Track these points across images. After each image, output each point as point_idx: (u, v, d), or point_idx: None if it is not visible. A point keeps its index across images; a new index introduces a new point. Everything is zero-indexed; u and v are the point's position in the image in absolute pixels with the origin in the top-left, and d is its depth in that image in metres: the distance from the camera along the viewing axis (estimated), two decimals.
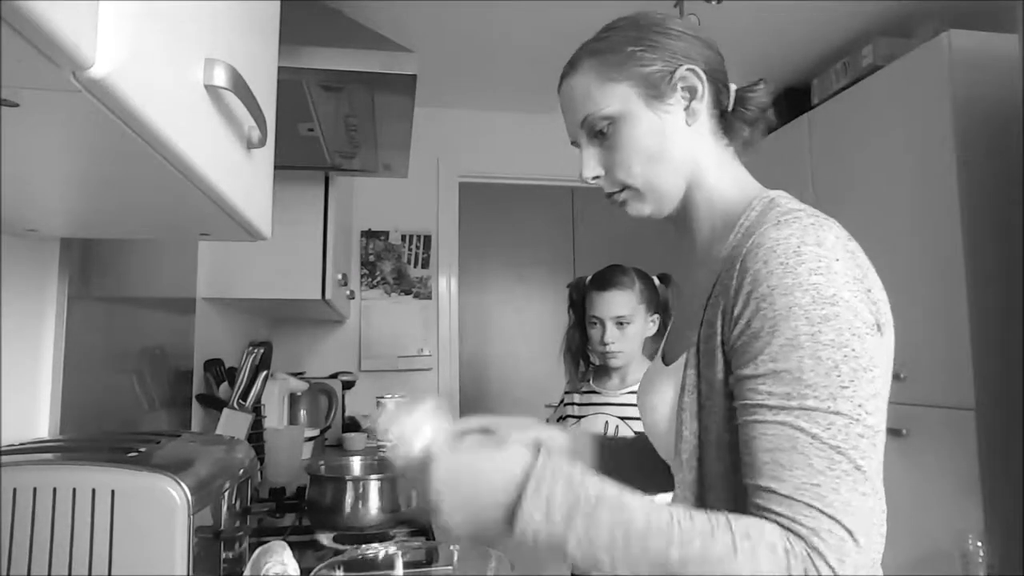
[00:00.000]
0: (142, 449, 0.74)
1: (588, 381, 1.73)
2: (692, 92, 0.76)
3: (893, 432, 2.08)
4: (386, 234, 3.03)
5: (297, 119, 1.37)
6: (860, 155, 2.29)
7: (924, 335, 1.99)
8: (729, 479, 0.67)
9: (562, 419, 1.76)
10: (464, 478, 0.64)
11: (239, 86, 0.55)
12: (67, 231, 0.85)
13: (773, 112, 0.83)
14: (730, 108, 0.80)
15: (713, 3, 2.09)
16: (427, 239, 3.06)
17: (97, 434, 0.94)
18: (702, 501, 0.70)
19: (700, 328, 0.70)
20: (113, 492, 0.65)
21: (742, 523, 0.58)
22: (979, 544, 1.72)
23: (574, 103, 0.79)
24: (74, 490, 0.65)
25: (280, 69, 0.89)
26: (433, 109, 3.02)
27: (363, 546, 0.93)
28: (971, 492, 1.80)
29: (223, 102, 0.58)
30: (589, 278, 1.72)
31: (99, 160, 0.52)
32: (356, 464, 1.40)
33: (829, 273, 0.62)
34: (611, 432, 1.62)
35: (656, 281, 1.71)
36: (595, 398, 1.68)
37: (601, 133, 0.77)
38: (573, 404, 1.74)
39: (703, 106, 0.77)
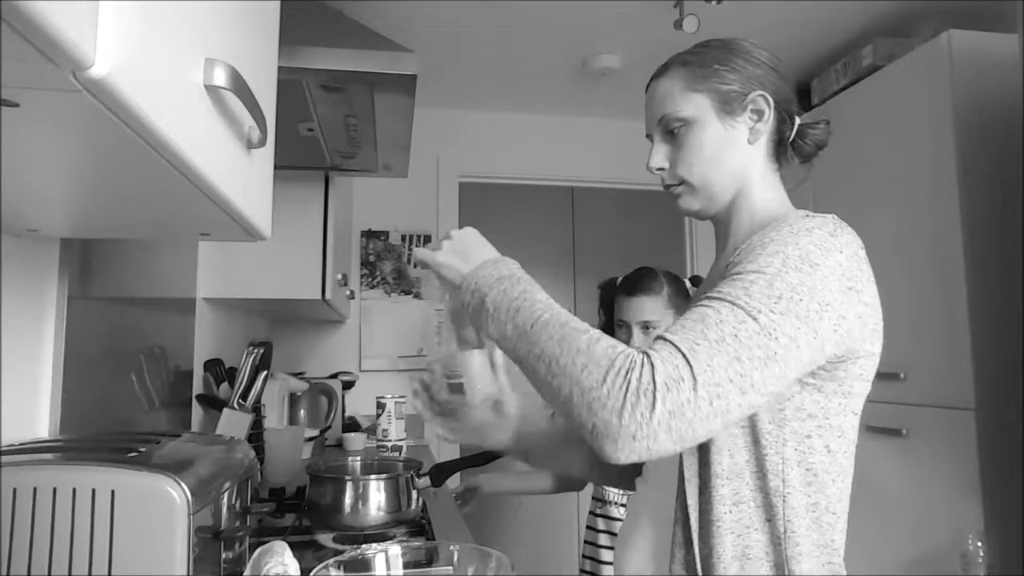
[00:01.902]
0: (142, 449, 0.74)
1: None
2: (759, 115, 0.87)
3: (893, 432, 2.08)
4: (386, 234, 3.03)
5: (297, 119, 1.37)
6: (860, 155, 2.29)
7: (924, 335, 1.99)
8: (737, 465, 0.75)
9: None
10: (468, 237, 0.84)
11: (239, 86, 0.55)
12: (67, 231, 0.85)
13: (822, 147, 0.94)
14: (790, 138, 0.91)
15: (713, 3, 2.09)
16: (427, 239, 3.06)
17: (97, 434, 0.94)
18: (705, 481, 0.76)
19: None
20: (113, 492, 0.65)
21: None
22: (979, 544, 1.72)
23: (656, 101, 0.90)
24: (74, 490, 0.65)
25: (280, 69, 0.89)
26: (433, 109, 3.02)
27: (363, 546, 0.93)
28: (971, 492, 1.80)
29: (223, 102, 0.58)
30: (620, 280, 1.71)
31: (99, 160, 0.52)
32: (356, 464, 1.40)
33: (826, 253, 0.71)
34: None
35: (688, 284, 1.70)
36: None
37: (673, 132, 0.88)
38: None
39: (765, 129, 0.87)
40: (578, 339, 0.67)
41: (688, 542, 0.76)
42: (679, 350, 0.64)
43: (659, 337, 0.67)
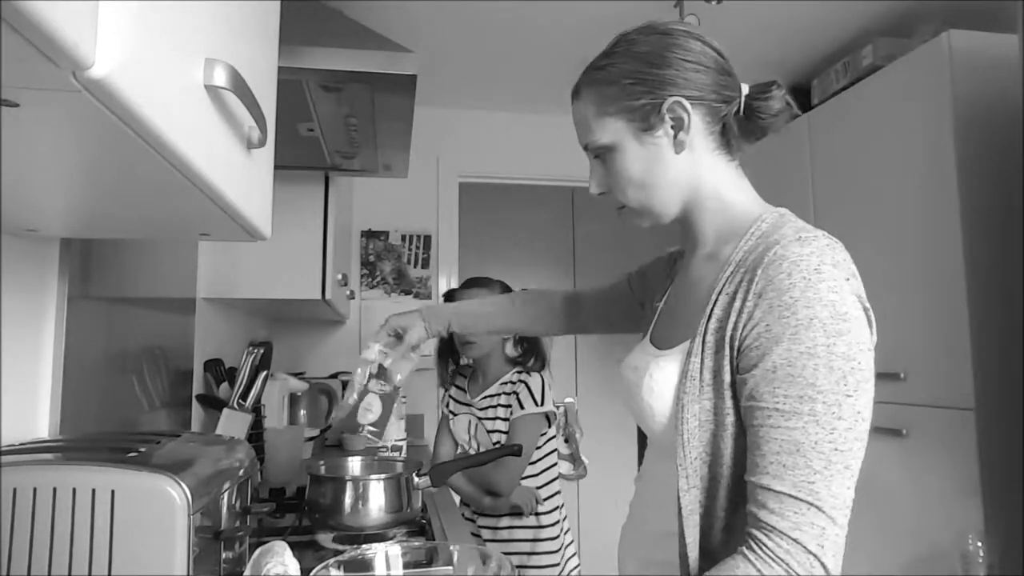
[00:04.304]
0: (142, 449, 0.74)
1: (459, 379, 2.03)
2: (679, 123, 0.81)
3: (893, 432, 2.08)
4: (386, 234, 3.03)
5: (297, 119, 1.37)
6: (860, 155, 2.29)
7: (924, 335, 1.99)
8: (736, 466, 0.74)
9: (446, 411, 2.05)
10: None
11: (239, 86, 0.55)
12: (67, 231, 0.85)
13: (788, 112, 0.86)
14: (740, 113, 0.84)
15: (713, 3, 2.09)
16: (427, 239, 3.06)
17: (97, 434, 0.94)
18: (712, 482, 0.76)
19: (707, 320, 0.76)
20: (113, 492, 0.65)
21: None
22: (979, 544, 1.72)
23: (578, 128, 0.88)
24: (74, 490, 0.65)
25: (280, 69, 0.89)
26: (433, 109, 3.02)
27: (363, 546, 0.93)
28: (971, 492, 1.80)
29: (223, 102, 0.58)
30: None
31: (99, 160, 0.52)
32: (356, 464, 1.40)
33: (842, 292, 0.69)
34: (472, 430, 1.93)
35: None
36: (461, 396, 1.99)
37: (600, 157, 0.86)
38: (451, 400, 2.04)
39: (694, 134, 0.82)
40: None
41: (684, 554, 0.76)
42: (812, 505, 0.65)
43: (772, 492, 0.66)
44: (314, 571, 0.69)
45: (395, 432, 2.23)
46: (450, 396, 2.06)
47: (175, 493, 0.66)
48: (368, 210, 2.98)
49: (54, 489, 0.65)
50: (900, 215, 2.10)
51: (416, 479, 1.25)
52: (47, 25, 0.30)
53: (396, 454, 2.20)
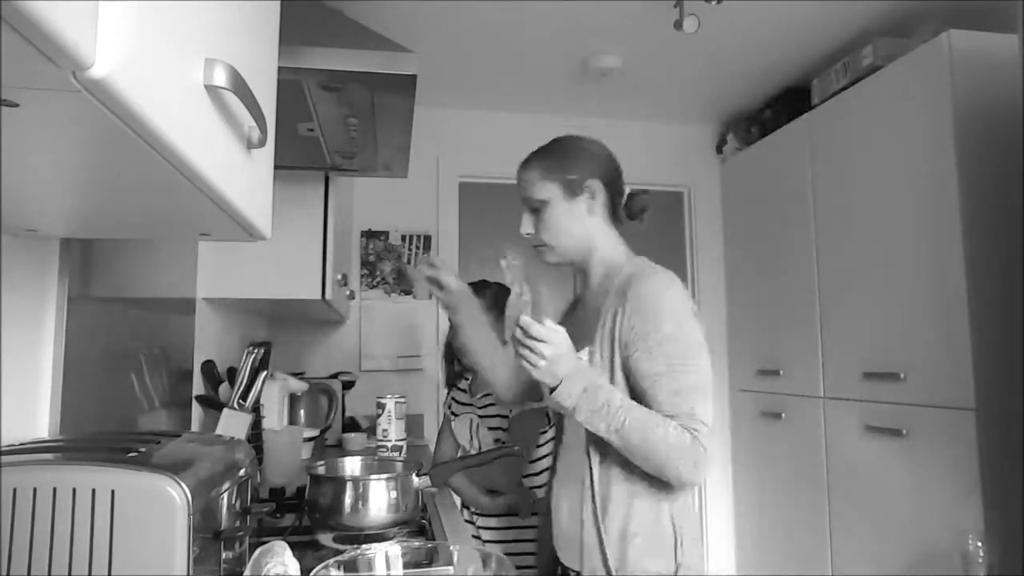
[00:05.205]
0: (142, 449, 0.74)
1: (461, 381, 2.08)
2: (593, 195, 1.26)
3: (893, 432, 2.08)
4: (386, 234, 3.03)
5: (297, 119, 1.37)
6: (860, 155, 2.29)
7: (924, 335, 1.99)
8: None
9: (448, 411, 2.09)
10: (560, 354, 1.09)
11: (239, 86, 0.55)
12: (67, 231, 0.85)
13: (648, 210, 1.35)
14: (622, 205, 1.31)
15: (713, 3, 2.09)
16: (427, 239, 3.06)
17: (97, 434, 0.94)
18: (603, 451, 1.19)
19: (599, 328, 1.19)
20: (113, 492, 0.65)
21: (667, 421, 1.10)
22: (979, 544, 1.72)
23: (521, 186, 1.29)
24: (74, 490, 0.65)
25: (280, 69, 0.89)
26: (433, 109, 3.02)
27: (363, 546, 0.93)
28: (971, 492, 1.80)
29: (223, 102, 0.58)
30: None
31: (99, 160, 0.52)
32: (356, 464, 1.40)
33: (677, 301, 1.16)
34: (474, 429, 1.98)
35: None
36: (463, 396, 2.05)
37: (535, 209, 1.27)
38: (453, 402, 2.08)
39: (598, 205, 1.27)
40: (655, 433, 1.08)
41: (592, 495, 1.17)
42: (697, 418, 1.10)
43: (689, 419, 1.10)
44: (314, 571, 0.69)
45: (395, 432, 2.23)
46: (452, 397, 2.07)
47: (175, 493, 0.66)
48: (368, 210, 2.98)
49: (54, 489, 0.64)
50: (900, 215, 2.10)
51: (416, 479, 1.24)
52: (47, 25, 0.30)
53: (396, 454, 2.19)
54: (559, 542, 1.28)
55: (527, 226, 1.28)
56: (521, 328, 1.09)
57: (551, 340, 1.08)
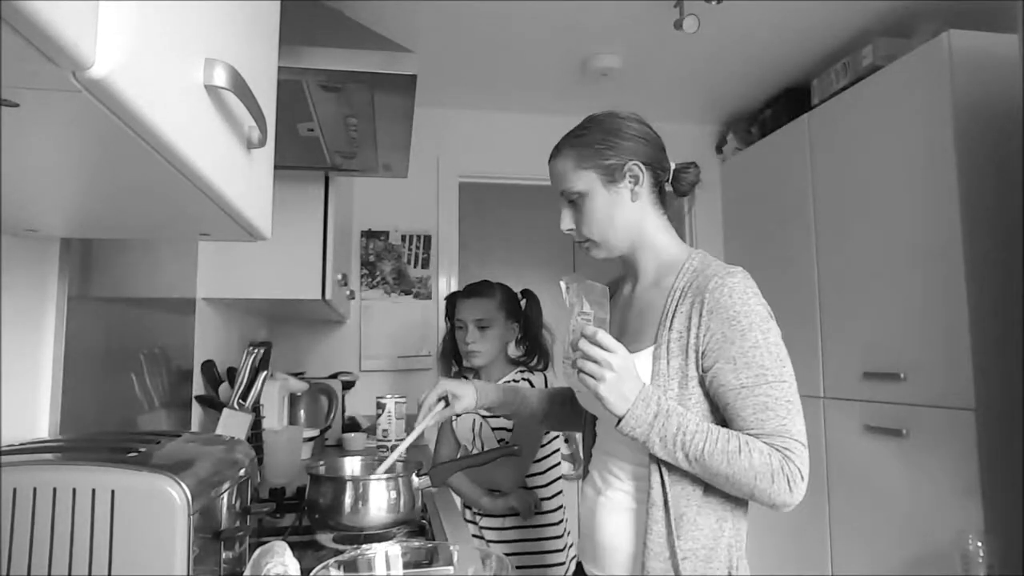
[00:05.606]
0: (142, 449, 0.74)
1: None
2: (636, 180, 1.11)
3: (893, 432, 2.08)
4: (386, 234, 3.03)
5: (297, 119, 1.37)
6: (860, 155, 2.29)
7: (924, 335, 1.99)
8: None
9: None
10: (627, 369, 0.98)
11: (239, 86, 0.55)
12: (67, 231, 0.85)
13: (697, 183, 1.20)
14: (668, 182, 1.16)
15: (713, 3, 2.09)
16: (427, 239, 3.06)
17: (97, 434, 0.94)
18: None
19: (666, 332, 1.05)
20: (113, 492, 0.65)
21: (749, 439, 0.98)
22: (979, 544, 1.72)
23: (555, 178, 1.15)
24: (74, 490, 0.65)
25: (280, 69, 0.90)
26: (433, 109, 3.02)
27: (363, 546, 0.93)
28: (971, 492, 1.80)
29: (223, 102, 0.58)
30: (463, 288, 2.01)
31: (99, 160, 0.52)
32: (356, 464, 1.40)
33: (761, 305, 1.03)
34: (477, 429, 1.92)
35: (519, 296, 1.99)
36: None
37: (573, 201, 1.13)
38: None
39: (644, 189, 1.12)
40: (739, 460, 0.96)
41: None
42: (790, 437, 0.98)
43: (779, 437, 0.98)
44: (314, 571, 0.70)
45: (395, 432, 2.23)
46: None
47: (175, 493, 0.66)
48: (368, 210, 2.98)
49: (54, 489, 0.64)
50: (900, 215, 2.10)
51: (416, 479, 1.24)
52: (47, 25, 0.30)
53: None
54: (592, 552, 1.15)
55: (567, 222, 1.14)
56: (585, 337, 0.98)
57: (619, 351, 0.98)
